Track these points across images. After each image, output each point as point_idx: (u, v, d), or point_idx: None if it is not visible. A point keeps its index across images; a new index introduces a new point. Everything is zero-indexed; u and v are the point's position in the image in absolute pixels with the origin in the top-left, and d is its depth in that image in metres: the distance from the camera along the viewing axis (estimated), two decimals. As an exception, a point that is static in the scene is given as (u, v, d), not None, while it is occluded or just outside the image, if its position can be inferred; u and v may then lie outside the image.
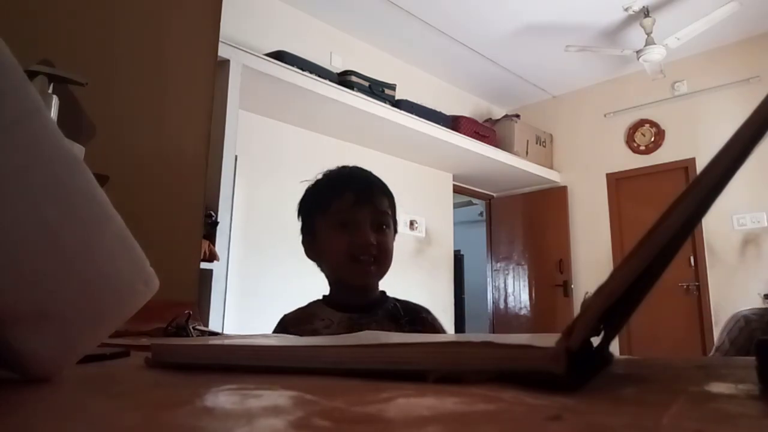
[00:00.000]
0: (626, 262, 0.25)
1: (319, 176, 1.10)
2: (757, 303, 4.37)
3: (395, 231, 1.09)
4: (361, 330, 0.82)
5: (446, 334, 0.66)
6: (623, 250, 5.23)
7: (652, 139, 5.20)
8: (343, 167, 1.12)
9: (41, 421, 0.20)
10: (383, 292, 1.07)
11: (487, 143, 5.05)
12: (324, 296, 1.06)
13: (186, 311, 0.87)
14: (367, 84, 4.12)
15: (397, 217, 1.10)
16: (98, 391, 0.27)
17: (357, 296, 1.03)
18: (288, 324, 1.04)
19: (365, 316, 1.00)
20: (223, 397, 0.23)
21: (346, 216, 1.01)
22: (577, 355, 0.25)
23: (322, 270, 1.06)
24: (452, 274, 5.32)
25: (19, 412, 0.21)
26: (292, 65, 3.59)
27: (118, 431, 0.18)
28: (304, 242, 1.08)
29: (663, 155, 5.13)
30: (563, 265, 5.52)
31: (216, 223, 2.89)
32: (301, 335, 0.96)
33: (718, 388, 0.27)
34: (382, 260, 1.02)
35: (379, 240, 1.01)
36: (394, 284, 1.08)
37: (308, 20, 4.25)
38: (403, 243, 4.22)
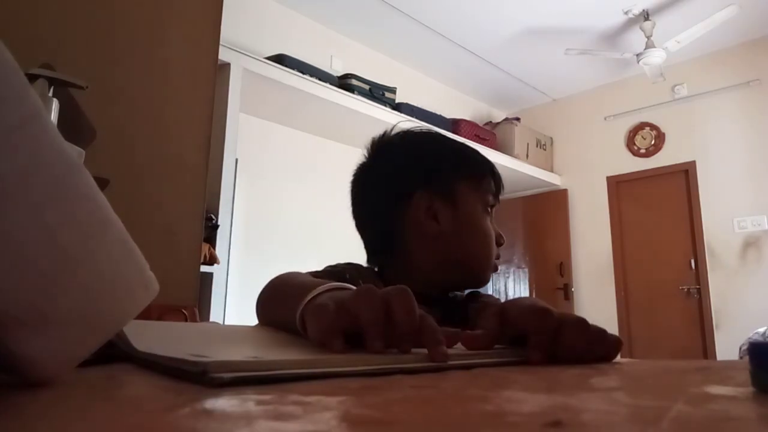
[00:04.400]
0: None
1: (428, 131, 0.92)
2: (757, 306, 4.38)
3: None
4: None
5: None
6: (624, 252, 5.23)
7: (653, 142, 5.21)
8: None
9: (41, 425, 0.20)
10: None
11: (488, 146, 5.05)
12: (379, 275, 0.87)
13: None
14: (367, 87, 4.13)
15: None
16: (98, 395, 0.27)
17: (435, 288, 0.83)
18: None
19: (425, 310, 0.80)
20: (223, 400, 0.23)
21: (492, 204, 0.88)
22: None
23: (431, 242, 0.83)
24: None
25: (18, 415, 0.21)
26: (293, 69, 3.59)
27: (118, 434, 0.18)
28: (412, 196, 0.84)
29: (663, 158, 5.13)
30: (564, 268, 5.52)
31: (216, 227, 2.89)
32: None
33: (717, 390, 0.27)
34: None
35: None
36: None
37: (309, 24, 4.26)
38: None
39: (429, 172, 0.86)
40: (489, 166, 0.89)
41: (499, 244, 0.86)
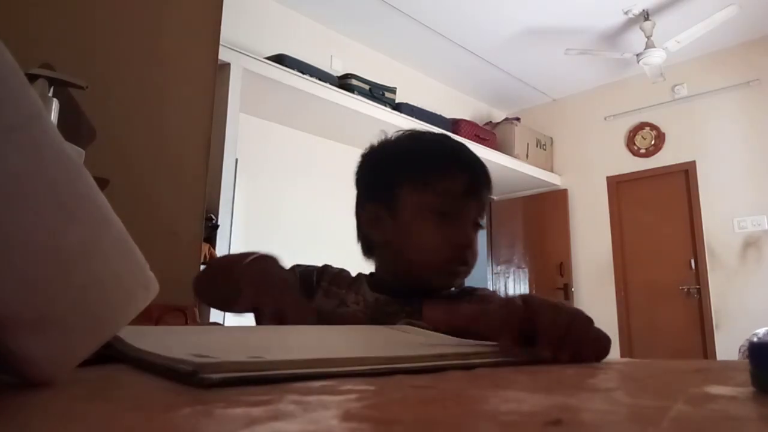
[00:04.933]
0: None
1: (401, 134, 0.89)
2: (757, 306, 4.38)
3: None
4: (386, 318, 0.74)
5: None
6: (624, 252, 5.23)
7: (653, 142, 5.21)
8: (436, 134, 0.90)
9: (41, 425, 0.20)
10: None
11: (488, 146, 5.05)
12: (371, 274, 0.89)
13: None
14: (367, 87, 4.13)
15: None
16: (98, 395, 0.27)
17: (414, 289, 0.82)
18: (328, 276, 0.90)
19: (397, 302, 0.80)
20: (223, 401, 0.23)
21: (449, 205, 0.81)
22: None
23: (382, 250, 0.86)
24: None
25: (18, 416, 0.21)
26: (293, 69, 3.59)
27: (118, 434, 0.18)
28: (364, 207, 0.87)
29: (663, 158, 5.13)
30: (564, 268, 5.52)
31: (216, 227, 2.89)
32: (327, 294, 0.88)
33: (717, 390, 0.27)
34: (472, 265, 0.83)
35: (475, 241, 0.83)
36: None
37: (309, 24, 4.26)
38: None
39: (372, 184, 0.88)
40: (444, 165, 0.83)
41: (459, 247, 0.80)
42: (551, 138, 5.88)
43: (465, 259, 0.81)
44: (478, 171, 0.84)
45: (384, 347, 0.46)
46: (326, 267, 0.93)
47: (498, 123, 5.60)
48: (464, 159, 0.85)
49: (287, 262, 0.87)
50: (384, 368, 0.32)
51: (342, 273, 0.92)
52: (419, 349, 0.44)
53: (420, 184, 0.82)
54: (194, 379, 0.26)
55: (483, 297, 0.82)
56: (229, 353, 0.35)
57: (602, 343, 0.46)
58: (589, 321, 0.47)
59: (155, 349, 0.34)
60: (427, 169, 0.83)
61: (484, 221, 0.86)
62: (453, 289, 0.87)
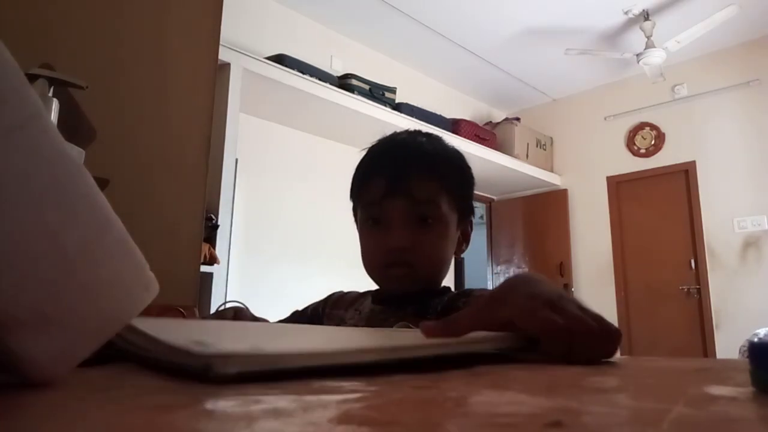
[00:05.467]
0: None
1: (371, 145, 0.91)
2: (757, 306, 4.38)
3: (466, 217, 0.88)
4: (379, 325, 0.77)
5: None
6: (624, 252, 5.23)
7: (653, 142, 5.21)
8: (396, 134, 0.90)
9: (43, 425, 0.20)
10: (446, 288, 0.88)
11: (488, 146, 5.05)
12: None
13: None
14: (367, 87, 4.13)
15: (472, 196, 0.92)
16: (98, 395, 0.27)
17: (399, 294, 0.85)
18: (330, 302, 0.95)
19: (388, 310, 0.83)
20: (223, 401, 0.23)
21: (375, 210, 0.83)
22: None
23: None
24: (453, 277, 5.32)
25: (19, 416, 0.21)
26: (293, 69, 3.60)
27: (118, 434, 0.18)
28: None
29: (663, 158, 5.13)
30: (564, 267, 5.52)
31: (216, 227, 2.89)
32: (329, 318, 0.92)
33: (717, 390, 0.27)
34: (420, 265, 0.80)
35: (418, 240, 0.79)
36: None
37: (309, 24, 4.26)
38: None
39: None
40: (366, 174, 0.86)
41: (388, 250, 0.80)
42: (551, 138, 5.88)
43: (402, 261, 0.80)
44: (403, 167, 0.82)
45: (387, 342, 0.46)
46: (330, 295, 0.97)
47: (498, 123, 5.60)
48: (385, 161, 0.85)
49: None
50: (393, 359, 0.32)
51: (346, 295, 0.96)
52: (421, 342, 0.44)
53: (356, 198, 0.88)
54: (209, 375, 0.26)
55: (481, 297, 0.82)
56: (233, 344, 0.35)
57: (613, 341, 0.45)
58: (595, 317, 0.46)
59: (157, 339, 0.33)
60: (355, 182, 0.88)
61: (439, 212, 0.81)
62: (454, 291, 0.87)
